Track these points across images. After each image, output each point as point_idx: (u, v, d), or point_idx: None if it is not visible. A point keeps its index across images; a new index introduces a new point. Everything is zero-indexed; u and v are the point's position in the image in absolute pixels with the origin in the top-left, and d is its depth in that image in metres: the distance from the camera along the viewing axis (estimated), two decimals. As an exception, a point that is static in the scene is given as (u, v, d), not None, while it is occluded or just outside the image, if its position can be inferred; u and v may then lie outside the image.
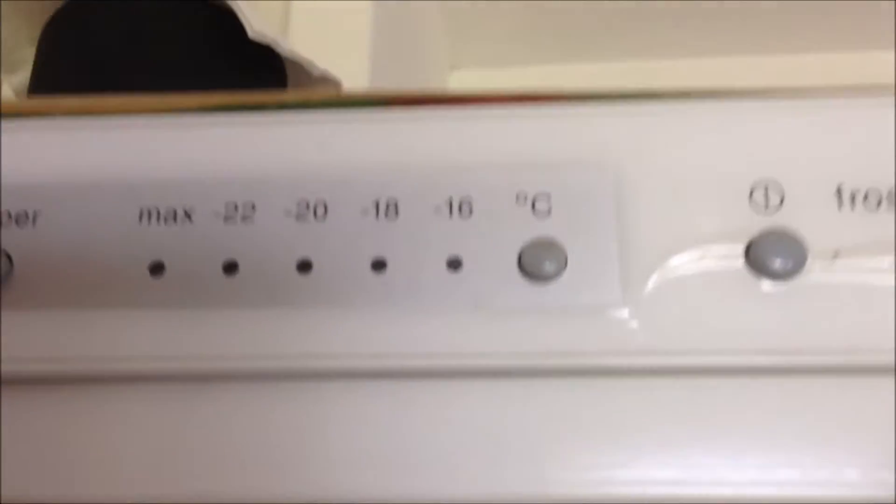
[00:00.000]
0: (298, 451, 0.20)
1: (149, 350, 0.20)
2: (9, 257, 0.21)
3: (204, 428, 0.20)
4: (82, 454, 0.20)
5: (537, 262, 0.20)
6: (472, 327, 0.20)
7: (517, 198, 0.21)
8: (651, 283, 0.20)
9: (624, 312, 0.20)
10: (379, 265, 0.21)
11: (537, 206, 0.21)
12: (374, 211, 0.21)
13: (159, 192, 0.21)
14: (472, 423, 0.20)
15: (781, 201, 0.21)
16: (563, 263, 0.20)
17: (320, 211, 0.21)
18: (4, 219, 0.21)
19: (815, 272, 0.20)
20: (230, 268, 0.21)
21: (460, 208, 0.21)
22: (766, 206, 0.21)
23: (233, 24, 0.36)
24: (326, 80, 0.38)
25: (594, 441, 0.20)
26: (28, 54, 0.42)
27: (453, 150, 0.22)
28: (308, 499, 0.20)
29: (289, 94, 0.22)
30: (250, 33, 0.34)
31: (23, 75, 0.43)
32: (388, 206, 0.21)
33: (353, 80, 0.42)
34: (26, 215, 0.21)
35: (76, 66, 0.39)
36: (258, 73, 0.38)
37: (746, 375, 0.20)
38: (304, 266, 0.21)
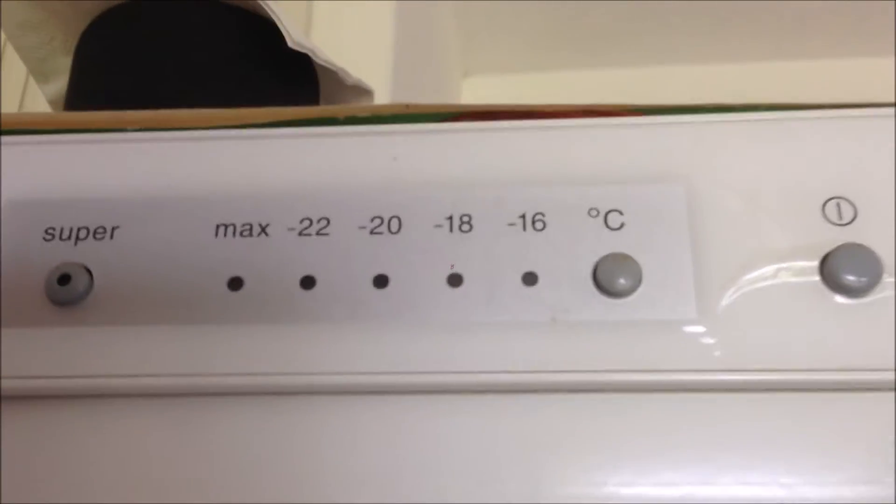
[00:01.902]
0: (390, 466, 0.20)
1: (230, 365, 0.21)
2: (89, 272, 0.21)
3: (289, 442, 0.20)
4: (166, 469, 0.20)
5: (613, 277, 0.20)
6: (548, 342, 0.20)
7: (590, 212, 0.21)
8: (726, 299, 0.20)
9: (699, 328, 0.20)
10: (455, 280, 0.21)
11: (610, 220, 0.21)
12: (447, 225, 0.21)
13: (235, 206, 0.22)
14: (547, 438, 0.20)
15: (854, 216, 0.21)
16: (639, 278, 0.20)
17: (394, 226, 0.21)
18: (84, 233, 0.21)
19: (889, 287, 0.20)
20: (308, 282, 0.21)
21: (534, 223, 0.21)
22: (840, 221, 0.21)
23: (267, 32, 0.37)
24: (359, 90, 0.38)
25: (670, 457, 0.20)
26: (62, 64, 0.42)
27: (525, 164, 0.22)
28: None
29: (359, 108, 0.22)
30: (290, 42, 0.34)
31: (57, 85, 0.43)
32: (461, 221, 0.21)
33: (375, 81, 0.42)
34: (104, 230, 0.22)
35: (115, 75, 0.39)
36: (291, 81, 0.39)
37: (822, 391, 0.20)
38: (381, 281, 0.21)
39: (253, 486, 0.20)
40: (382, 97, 0.40)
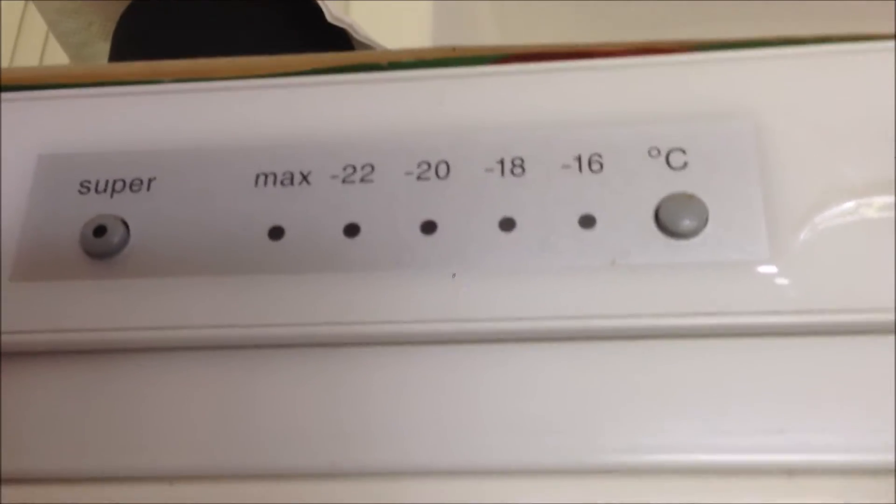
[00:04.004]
0: (442, 418, 0.19)
1: (272, 316, 0.19)
2: (125, 224, 0.20)
3: (335, 393, 0.19)
4: (209, 424, 0.19)
5: (676, 218, 0.19)
6: (609, 286, 0.19)
7: (650, 152, 0.20)
8: (800, 238, 0.19)
9: (773, 269, 0.19)
10: (507, 224, 0.20)
11: (672, 159, 0.20)
12: (499, 169, 0.20)
13: (275, 155, 0.21)
14: (610, 388, 0.19)
15: (935, 149, 0.19)
16: (704, 219, 0.19)
17: (442, 171, 0.20)
18: (119, 186, 0.21)
19: (978, 222, 0.19)
20: (351, 230, 0.20)
21: (590, 164, 0.20)
22: (920, 154, 0.19)
23: (305, 9, 0.36)
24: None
25: (742, 405, 0.19)
26: (100, 49, 0.42)
27: (579, 104, 0.21)
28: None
29: (402, 52, 0.21)
30: (328, 17, 0.34)
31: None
32: (513, 164, 0.20)
33: None
34: (141, 182, 0.21)
35: (152, 57, 0.38)
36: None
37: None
38: (428, 227, 0.20)
39: (299, 439, 0.19)
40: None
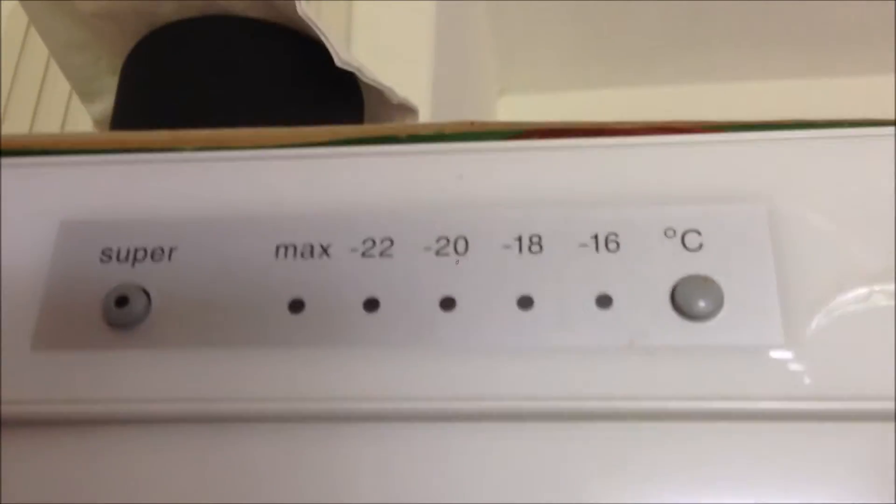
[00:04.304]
0: (460, 495, 0.19)
1: (291, 390, 0.20)
2: (146, 294, 0.21)
3: (354, 469, 0.20)
4: (228, 497, 0.20)
5: (692, 300, 0.19)
6: (626, 368, 0.19)
7: (666, 232, 0.20)
8: (815, 323, 0.19)
9: (787, 353, 0.19)
10: (526, 302, 0.20)
11: (688, 241, 0.20)
12: (517, 246, 0.20)
13: (295, 226, 0.21)
14: (625, 469, 0.19)
15: (949, 235, 0.20)
16: (720, 301, 0.19)
17: (461, 246, 0.21)
18: (141, 255, 0.21)
19: None
20: (371, 304, 0.20)
21: (607, 244, 0.20)
22: (933, 241, 0.20)
23: (312, 50, 0.36)
24: (405, 108, 0.38)
25: (758, 489, 0.19)
26: (108, 84, 0.42)
27: (597, 182, 0.21)
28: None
29: (421, 126, 0.21)
30: (337, 61, 0.34)
31: (102, 105, 0.43)
32: (531, 242, 0.20)
33: (415, 86, 0.41)
34: (162, 251, 0.21)
35: (160, 95, 0.39)
36: (336, 100, 0.38)
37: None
38: (448, 303, 0.20)
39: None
40: (421, 115, 0.40)
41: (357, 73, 0.35)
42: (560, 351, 0.19)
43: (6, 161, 0.22)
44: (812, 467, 0.19)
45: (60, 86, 0.60)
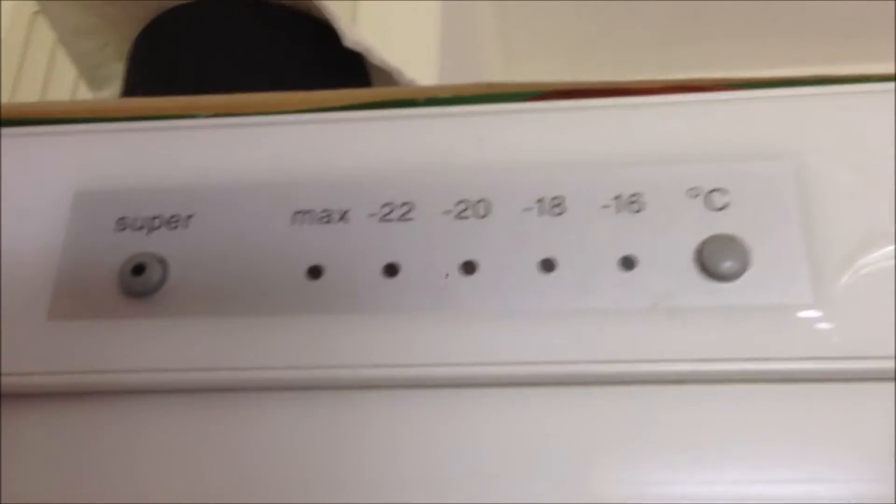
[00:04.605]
0: (484, 460, 0.19)
1: (310, 358, 0.19)
2: (163, 262, 0.20)
3: (373, 436, 0.19)
4: (246, 465, 0.19)
5: (718, 260, 0.19)
6: (650, 329, 0.19)
7: (690, 192, 0.20)
8: (843, 281, 0.19)
9: (815, 313, 0.19)
10: (548, 265, 0.20)
11: (713, 200, 0.20)
12: (538, 209, 0.20)
13: (312, 192, 0.21)
14: (651, 432, 0.19)
15: (979, 191, 0.19)
16: (746, 261, 0.19)
17: (481, 210, 0.20)
18: (157, 223, 0.21)
19: None
20: (390, 269, 0.20)
21: (630, 204, 0.20)
22: (964, 197, 0.19)
23: (319, 33, 0.36)
24: (412, 90, 0.38)
25: (785, 450, 0.19)
26: (115, 70, 0.42)
27: (618, 143, 0.21)
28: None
29: (439, 88, 0.21)
30: (346, 42, 0.34)
31: (109, 91, 0.43)
32: (552, 204, 0.20)
33: (421, 83, 0.41)
34: (178, 219, 0.21)
35: (167, 79, 0.38)
36: (344, 82, 0.38)
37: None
38: (468, 267, 0.20)
39: (338, 482, 0.19)
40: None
41: (365, 54, 0.35)
42: (583, 314, 0.19)
43: (19, 131, 0.21)
44: (840, 427, 0.19)
45: (67, 77, 0.60)
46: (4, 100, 0.55)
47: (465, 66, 0.60)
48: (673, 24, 0.67)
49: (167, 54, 0.39)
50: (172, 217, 0.21)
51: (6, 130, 0.21)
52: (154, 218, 0.21)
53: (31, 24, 0.65)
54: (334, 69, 0.37)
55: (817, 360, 0.18)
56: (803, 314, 0.19)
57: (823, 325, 0.19)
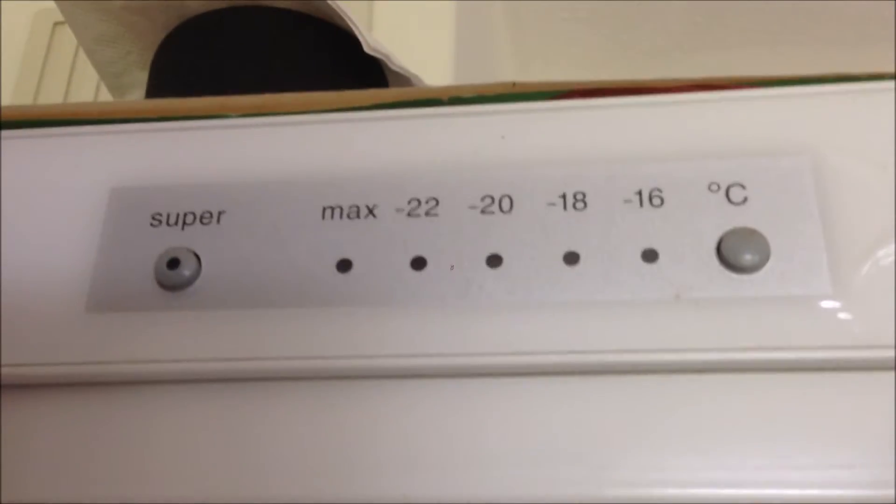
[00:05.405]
0: (507, 450, 0.19)
1: (340, 349, 0.20)
2: (196, 256, 0.21)
3: (403, 425, 0.20)
4: (278, 454, 0.20)
5: (739, 252, 0.19)
6: (673, 320, 0.19)
7: (710, 187, 0.20)
8: (862, 272, 0.19)
9: (835, 303, 0.19)
10: (572, 258, 0.20)
11: (732, 194, 0.20)
12: (561, 203, 0.21)
13: (341, 188, 0.21)
14: (674, 421, 0.19)
15: None
16: (766, 253, 0.19)
17: (505, 205, 0.21)
18: (190, 218, 0.21)
19: None
20: (418, 263, 0.20)
21: (651, 199, 0.20)
22: (980, 190, 0.20)
23: (339, 39, 0.37)
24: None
25: (807, 439, 0.19)
26: (137, 78, 0.43)
27: (639, 140, 0.21)
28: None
29: (462, 88, 0.22)
30: (366, 48, 0.34)
31: (132, 99, 0.44)
32: (575, 199, 0.21)
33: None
34: (211, 215, 0.21)
35: (189, 87, 0.39)
36: (364, 88, 0.39)
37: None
38: (494, 260, 0.20)
39: (370, 470, 0.19)
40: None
41: (385, 61, 0.36)
42: (607, 305, 0.20)
43: (56, 131, 0.22)
44: (862, 416, 0.19)
45: (87, 87, 0.61)
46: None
47: (480, 70, 0.61)
48: (686, 30, 0.67)
49: (190, 62, 0.39)
50: (205, 213, 0.21)
51: (47, 130, 0.22)
52: (187, 214, 0.21)
53: (52, 35, 0.66)
54: (354, 75, 0.38)
55: (839, 349, 0.19)
56: (824, 304, 0.19)
57: (844, 315, 0.19)
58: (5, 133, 0.22)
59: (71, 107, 0.22)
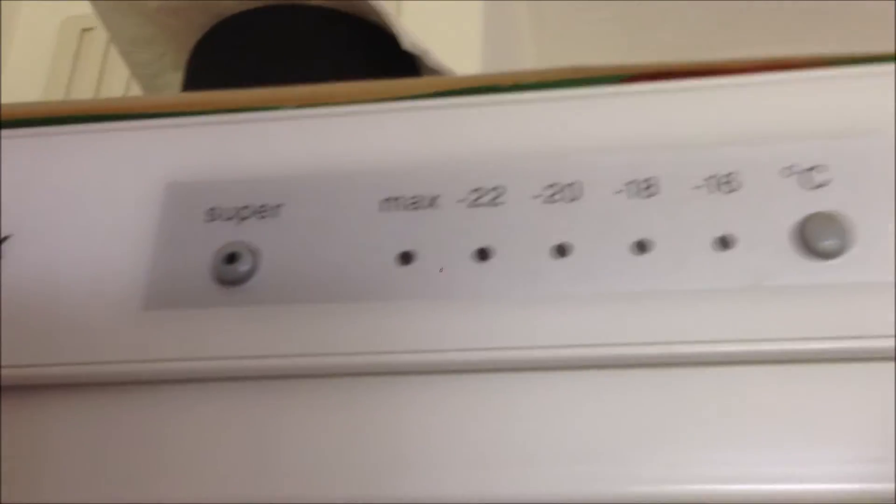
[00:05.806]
0: (582, 442, 0.19)
1: (403, 343, 0.19)
2: (254, 251, 0.20)
3: (469, 419, 0.19)
4: (337, 450, 0.19)
5: (819, 238, 0.19)
6: (750, 309, 0.19)
7: (786, 170, 0.20)
8: (951, 257, 0.18)
9: (923, 289, 0.18)
10: (641, 247, 0.19)
11: (811, 177, 0.19)
12: (629, 191, 0.20)
13: (401, 179, 0.21)
14: (756, 412, 0.19)
15: None
16: (848, 237, 0.19)
17: (572, 193, 0.20)
18: (246, 213, 0.21)
19: None
20: (482, 254, 0.20)
21: (724, 184, 0.20)
22: None
23: (374, 36, 0.36)
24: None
25: (887, 425, 0.18)
26: (171, 80, 0.43)
27: (709, 123, 0.20)
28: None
29: (523, 74, 0.21)
30: (405, 45, 0.34)
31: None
32: (644, 186, 0.20)
33: None
34: (268, 208, 0.21)
35: (226, 86, 0.39)
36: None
37: None
38: (561, 250, 0.20)
39: (439, 465, 0.19)
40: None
41: (423, 57, 0.35)
42: (679, 294, 0.19)
43: (111, 126, 0.22)
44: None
45: (115, 91, 0.61)
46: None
47: (506, 69, 0.60)
48: (708, 29, 0.67)
49: (225, 62, 0.39)
50: (262, 206, 0.21)
51: (100, 126, 0.21)
52: (244, 207, 0.21)
53: (80, 41, 0.66)
54: (389, 73, 0.37)
55: (926, 337, 0.18)
56: (910, 291, 0.18)
57: (932, 302, 0.18)
58: (60, 129, 0.21)
59: (119, 101, 0.22)
